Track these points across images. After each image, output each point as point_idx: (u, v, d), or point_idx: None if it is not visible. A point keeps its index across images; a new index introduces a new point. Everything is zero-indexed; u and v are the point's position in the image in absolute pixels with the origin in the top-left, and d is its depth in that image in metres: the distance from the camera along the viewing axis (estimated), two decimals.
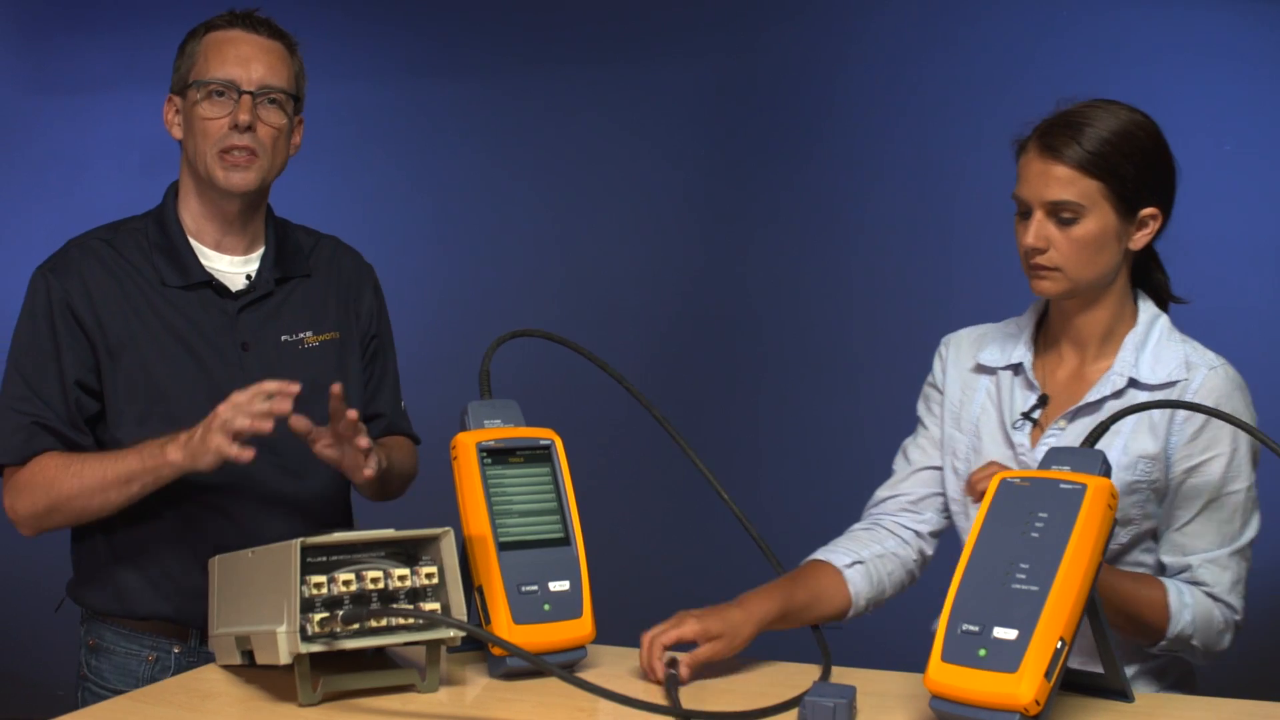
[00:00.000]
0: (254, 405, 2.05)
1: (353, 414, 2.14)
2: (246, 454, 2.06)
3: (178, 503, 2.27)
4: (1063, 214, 2.12)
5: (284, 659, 1.81)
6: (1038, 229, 2.13)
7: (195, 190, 2.38)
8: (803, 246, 4.65)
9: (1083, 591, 1.71)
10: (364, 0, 5.13)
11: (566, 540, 2.07)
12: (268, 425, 2.06)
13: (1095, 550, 1.73)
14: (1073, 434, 2.17)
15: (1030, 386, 2.25)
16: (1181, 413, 2.12)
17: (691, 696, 1.90)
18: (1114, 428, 2.12)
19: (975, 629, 1.70)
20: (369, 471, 2.20)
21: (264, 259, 2.43)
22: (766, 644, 2.29)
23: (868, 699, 1.78)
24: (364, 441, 2.17)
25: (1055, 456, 1.84)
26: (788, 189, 4.66)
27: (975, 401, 2.31)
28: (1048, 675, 1.66)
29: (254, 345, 2.37)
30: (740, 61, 4.69)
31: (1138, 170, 2.13)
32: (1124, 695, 1.87)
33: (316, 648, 1.82)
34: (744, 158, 4.72)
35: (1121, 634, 2.07)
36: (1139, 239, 2.17)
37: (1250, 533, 2.14)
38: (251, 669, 2.00)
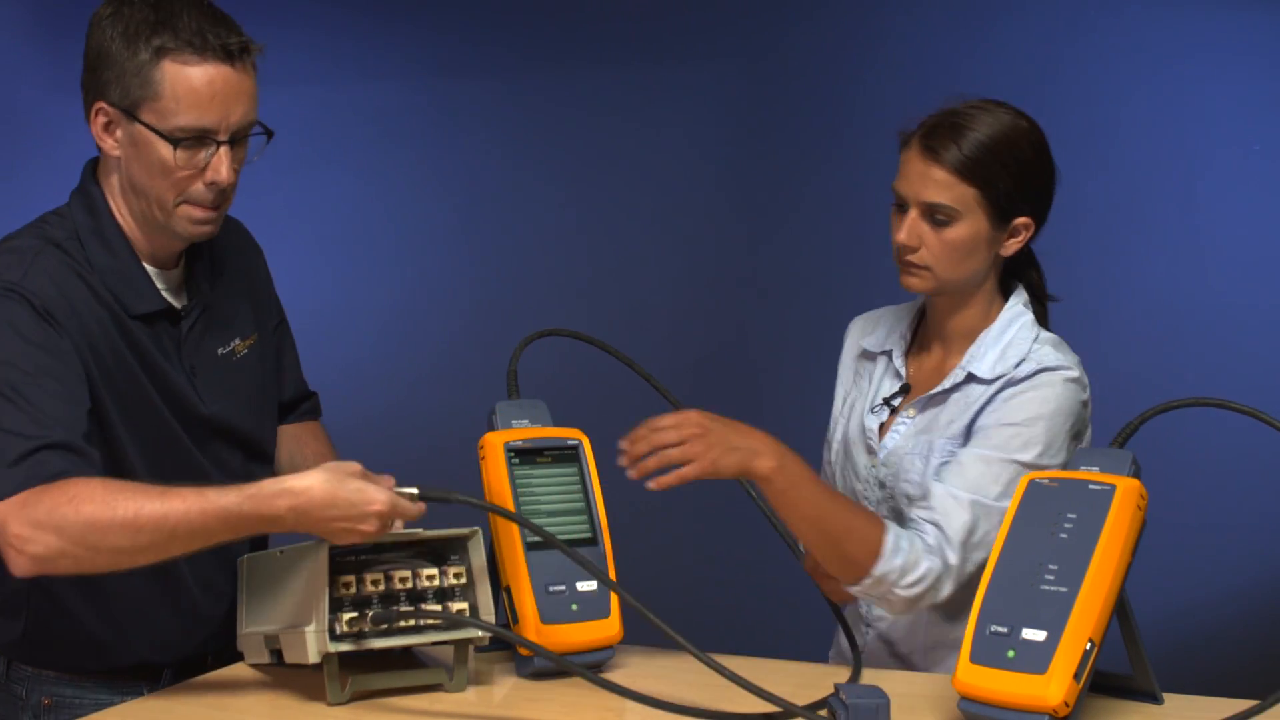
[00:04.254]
0: None
1: None
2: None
3: None
4: (937, 215, 2.14)
5: (313, 658, 1.82)
6: (911, 227, 2.16)
7: (142, 214, 2.03)
8: (829, 245, 4.65)
9: (1112, 592, 1.71)
10: (389, 1, 5.14)
11: (594, 540, 2.07)
12: None
13: (1125, 551, 1.73)
14: (919, 423, 2.21)
15: (898, 375, 2.29)
16: (1005, 391, 2.13)
17: (718, 697, 1.89)
18: (950, 418, 2.17)
19: (1004, 630, 1.70)
20: None
21: (199, 269, 2.14)
22: (780, 645, 2.29)
23: (896, 700, 1.78)
24: None
25: (1084, 457, 1.83)
26: (813, 188, 4.66)
27: (859, 385, 2.37)
28: (1077, 676, 1.65)
29: (200, 367, 2.11)
30: (764, 61, 4.69)
31: (1014, 179, 2.15)
32: (1153, 697, 1.87)
33: (345, 647, 1.83)
34: (769, 157, 4.72)
35: (824, 562, 2.06)
36: (1010, 246, 2.19)
37: (1003, 504, 2.03)
38: (280, 668, 2.00)
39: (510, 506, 2.03)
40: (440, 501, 1.85)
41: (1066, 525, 1.75)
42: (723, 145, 4.78)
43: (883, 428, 2.27)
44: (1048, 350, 2.16)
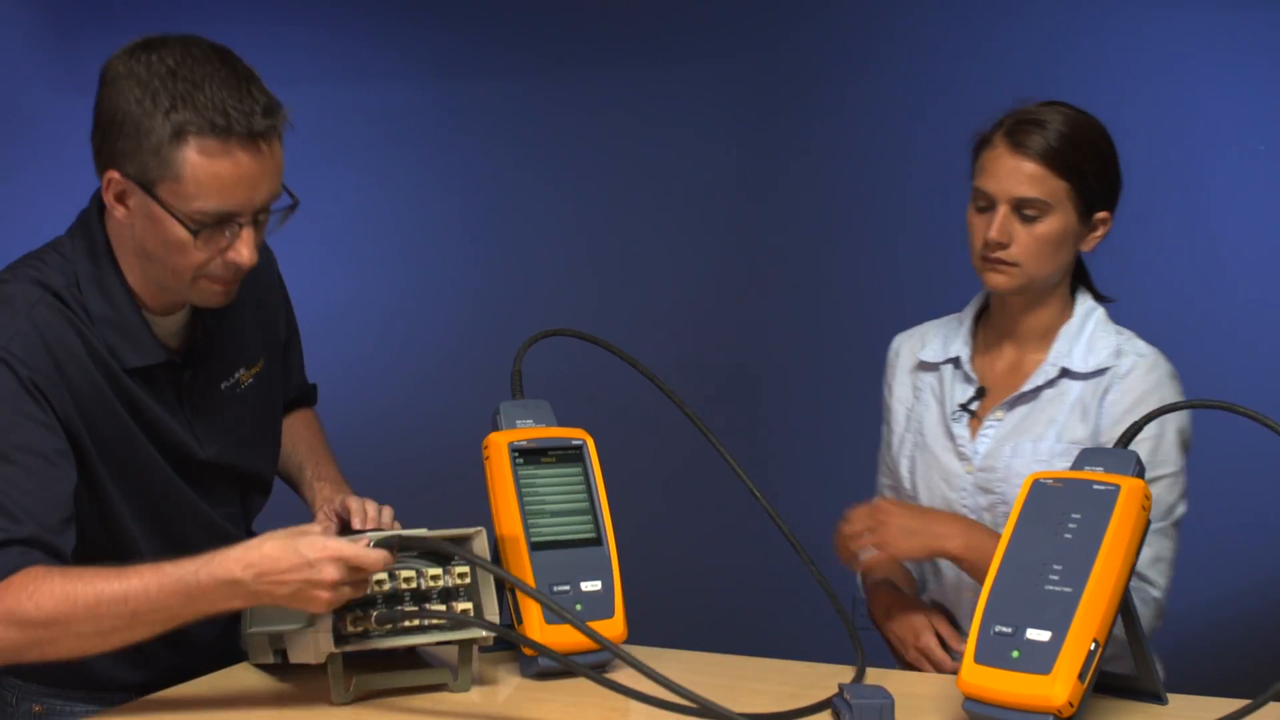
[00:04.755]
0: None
1: None
2: None
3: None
4: (1027, 210, 2.18)
5: (317, 658, 1.82)
6: (1002, 223, 2.19)
7: (154, 278, 1.94)
8: (830, 245, 4.65)
9: (1116, 593, 1.71)
10: (392, 0, 5.14)
11: (598, 540, 2.07)
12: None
13: (1129, 551, 1.73)
14: (1011, 423, 2.25)
15: (968, 379, 2.32)
16: (1110, 395, 2.19)
17: (722, 697, 1.89)
18: (1049, 416, 2.22)
19: (1008, 630, 1.70)
20: None
21: (208, 311, 2.02)
22: (785, 645, 2.29)
23: (900, 700, 1.78)
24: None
25: (1088, 457, 1.83)
26: (816, 188, 4.66)
27: (921, 399, 2.38)
28: (1081, 677, 1.65)
29: (200, 409, 2.04)
30: (767, 61, 4.69)
31: (1098, 173, 2.21)
32: (1157, 697, 1.86)
33: (350, 647, 1.83)
34: (772, 157, 4.72)
35: None
36: (1090, 241, 2.26)
37: (1176, 514, 2.19)
38: (284, 668, 2.01)
39: (515, 507, 2.03)
40: (398, 545, 1.84)
41: (1071, 525, 1.75)
42: (728, 145, 4.78)
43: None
44: (1138, 342, 2.24)
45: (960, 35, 4.44)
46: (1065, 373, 2.23)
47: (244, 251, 1.87)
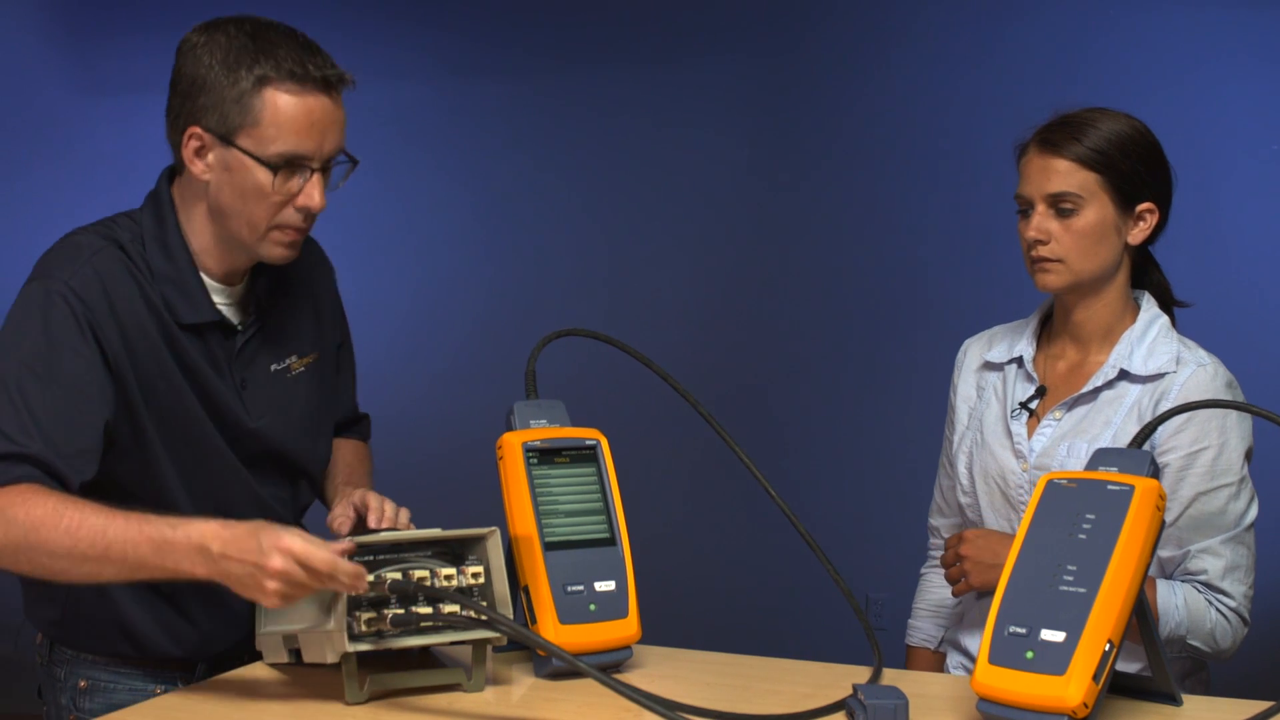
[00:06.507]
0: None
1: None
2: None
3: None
4: (1062, 205, 2.20)
5: (331, 658, 1.82)
6: (1038, 222, 2.22)
7: (215, 234, 2.07)
8: (844, 245, 4.65)
9: (1131, 593, 1.70)
10: (405, 1, 5.14)
11: (612, 540, 2.07)
12: None
13: (1144, 551, 1.72)
14: (1069, 423, 2.25)
15: (1030, 379, 2.33)
16: (1166, 401, 2.19)
17: (736, 698, 1.90)
18: (1105, 418, 2.22)
19: (1023, 631, 1.69)
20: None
21: (260, 286, 2.16)
22: (798, 645, 2.29)
23: (914, 701, 1.78)
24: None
25: (1103, 457, 1.83)
26: (828, 188, 4.66)
27: (983, 398, 2.39)
28: (1095, 678, 1.65)
29: (250, 382, 2.14)
30: (780, 62, 4.69)
31: (1134, 166, 2.21)
32: (1172, 699, 1.86)
33: (364, 647, 1.83)
34: (785, 157, 4.72)
35: None
36: (1136, 234, 2.25)
37: (1247, 520, 2.20)
38: (298, 667, 2.01)
39: (529, 506, 2.04)
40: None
41: (1085, 526, 1.74)
42: (741, 145, 4.79)
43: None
44: (1199, 351, 2.24)
45: (974, 36, 4.44)
46: (1124, 375, 2.23)
47: (315, 195, 2.02)
